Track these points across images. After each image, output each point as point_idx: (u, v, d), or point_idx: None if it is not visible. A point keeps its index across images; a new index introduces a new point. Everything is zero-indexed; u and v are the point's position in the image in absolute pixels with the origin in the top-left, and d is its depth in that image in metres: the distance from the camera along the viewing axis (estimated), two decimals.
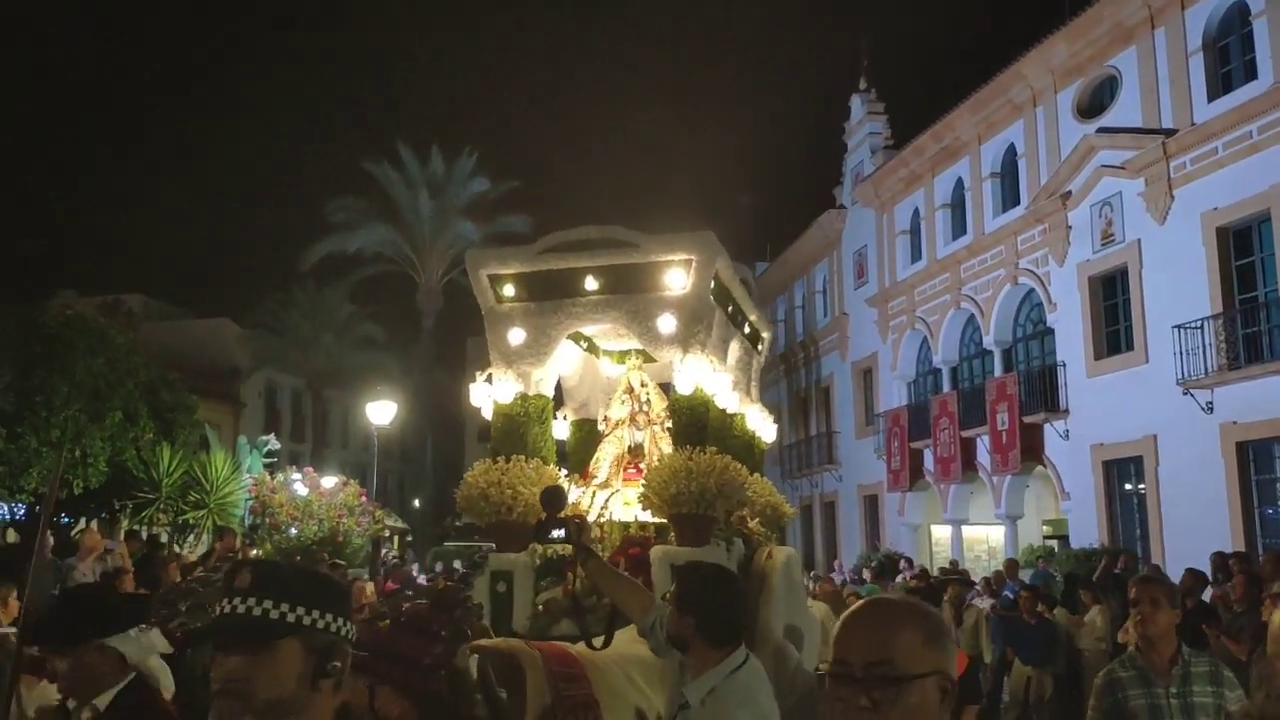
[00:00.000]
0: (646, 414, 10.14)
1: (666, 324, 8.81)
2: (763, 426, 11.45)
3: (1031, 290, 27.91)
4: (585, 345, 10.50)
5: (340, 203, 34.78)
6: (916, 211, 33.08)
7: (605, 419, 10.22)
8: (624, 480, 9.61)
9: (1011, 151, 28.94)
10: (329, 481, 24.24)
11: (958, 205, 31.38)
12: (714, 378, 8.97)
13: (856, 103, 36.31)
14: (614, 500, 9.44)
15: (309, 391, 35.52)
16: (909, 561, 26.41)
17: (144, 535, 25.65)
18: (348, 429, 42.96)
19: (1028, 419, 26.49)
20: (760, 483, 10.42)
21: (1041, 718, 13.72)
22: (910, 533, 32.44)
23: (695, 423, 8.82)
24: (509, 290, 9.27)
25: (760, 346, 11.68)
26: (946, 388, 31.21)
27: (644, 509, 8.78)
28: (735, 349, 10.50)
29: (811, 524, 39.40)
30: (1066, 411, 25.73)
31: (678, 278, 8.86)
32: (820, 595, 14.65)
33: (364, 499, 23.63)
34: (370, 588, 14.33)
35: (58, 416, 23.62)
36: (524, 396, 9.30)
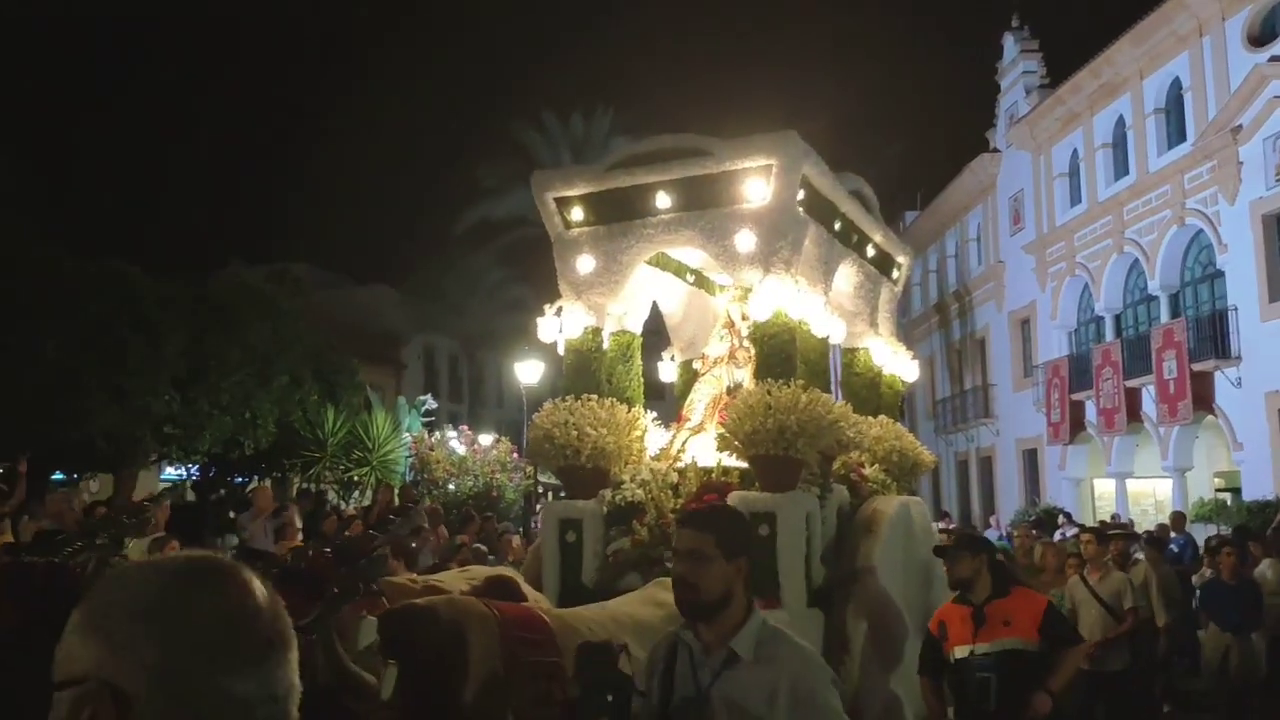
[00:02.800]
0: (748, 350, 8.76)
1: (745, 241, 7.44)
2: (896, 363, 9.92)
3: (1200, 231, 25.25)
4: (692, 278, 9.18)
5: (490, 169, 34.27)
6: (1075, 152, 30.49)
7: (703, 357, 8.91)
8: (718, 424, 8.31)
9: (1176, 85, 26.23)
10: (484, 439, 24.40)
11: (1119, 144, 28.76)
12: (802, 301, 7.54)
13: (1009, 41, 33.75)
14: (702, 444, 8.13)
15: (464, 353, 35.21)
16: (1069, 516, 24.31)
17: (312, 492, 25.68)
18: (501, 389, 42.65)
19: (1196, 366, 23.99)
20: (885, 425, 8.95)
21: (1251, 690, 11.15)
22: (1071, 487, 30.10)
23: (778, 352, 7.44)
24: (577, 214, 8.05)
25: (896, 274, 10.07)
26: (1109, 336, 28.71)
27: (722, 450, 7.46)
28: (852, 274, 9.00)
29: (968, 479, 37.17)
30: (1239, 358, 23.21)
31: (757, 188, 7.47)
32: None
33: (515, 455, 22.88)
34: (517, 540, 14.07)
35: (228, 381, 23.73)
36: (595, 330, 8.07)
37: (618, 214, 7.90)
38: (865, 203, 9.10)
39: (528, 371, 27.80)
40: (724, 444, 7.42)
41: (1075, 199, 30.54)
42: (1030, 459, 32.89)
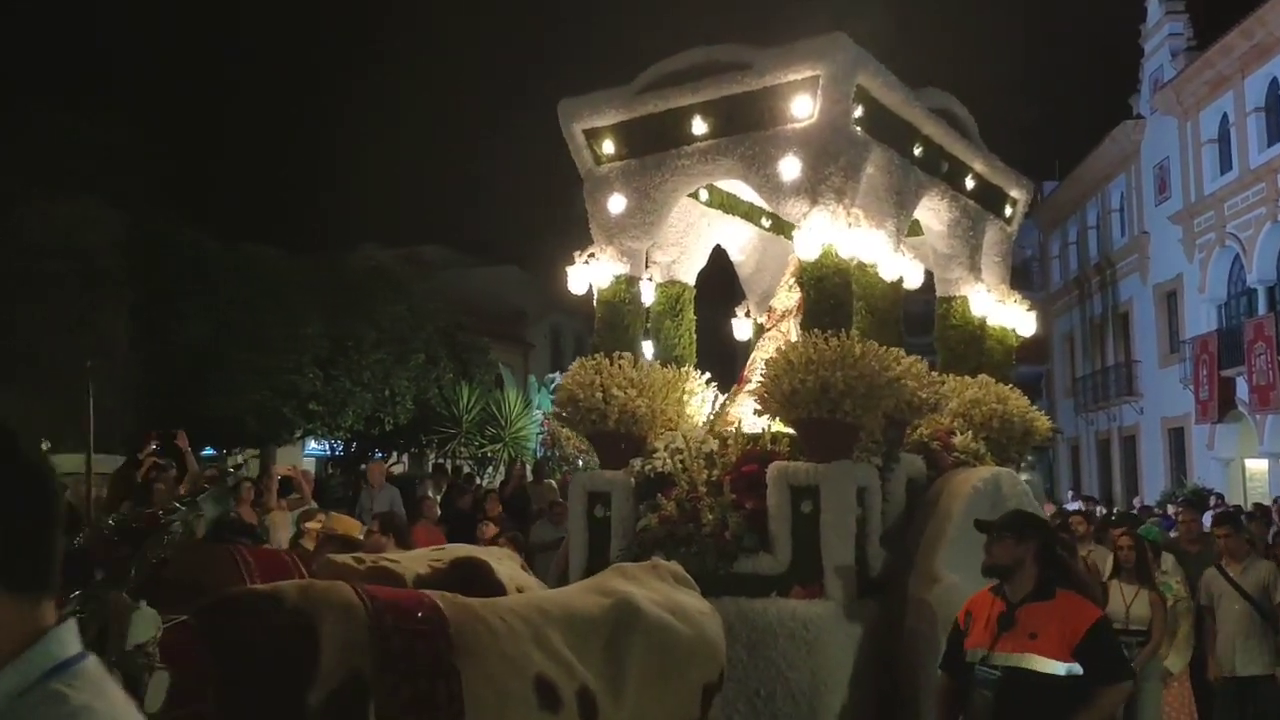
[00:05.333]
0: None
1: (789, 168, 6.00)
2: (1005, 314, 8.25)
3: None
4: (769, 222, 7.77)
5: None
6: (1225, 117, 27.52)
7: (770, 311, 7.50)
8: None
9: None
10: None
11: (1273, 108, 25.78)
12: (860, 237, 6.05)
13: (1153, 2, 30.81)
14: (747, 407, 6.74)
15: (589, 331, 33.97)
16: (1220, 498, 21.81)
17: (448, 468, 25.22)
18: None
19: None
20: (986, 386, 7.37)
21: None
22: (1220, 467, 27.26)
23: (827, 297, 5.97)
24: (608, 147, 6.74)
25: (1009, 211, 8.33)
26: (1262, 309, 25.82)
27: (763, 414, 6.06)
28: (944, 210, 7.40)
29: (1109, 460, 34.29)
30: None
31: (802, 105, 6.01)
32: None
33: None
34: None
35: (368, 359, 23.45)
36: (628, 280, 6.75)
37: (650, 144, 6.56)
38: (958, 125, 7.45)
39: (648, 350, 26.74)
40: (763, 405, 6.03)
41: (1225, 166, 27.57)
42: (1176, 438, 30.04)
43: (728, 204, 7.36)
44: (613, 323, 6.79)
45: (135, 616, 2.73)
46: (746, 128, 6.23)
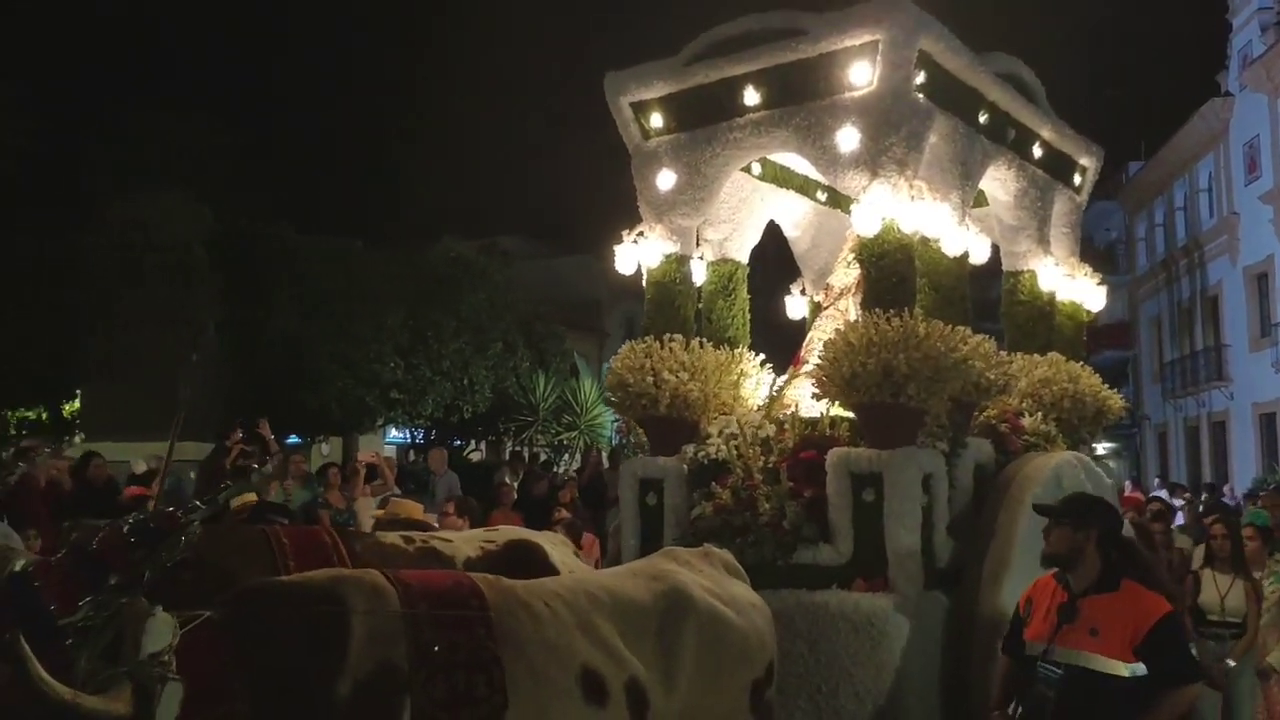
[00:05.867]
0: None
1: (847, 138, 5.59)
2: (1075, 289, 7.71)
3: None
4: (825, 196, 7.36)
5: None
6: None
7: (827, 288, 7.09)
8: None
9: None
10: None
11: None
12: (924, 211, 5.61)
13: None
14: (804, 389, 6.35)
15: None
16: None
17: (525, 455, 25.20)
18: None
19: None
20: (1056, 364, 6.88)
21: None
22: None
23: (889, 274, 5.56)
24: (656, 120, 6.39)
25: (1078, 180, 7.77)
26: None
27: (822, 398, 5.67)
28: (1010, 180, 6.90)
29: (1198, 447, 32.89)
30: None
31: (860, 72, 5.59)
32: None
33: None
34: None
35: (447, 349, 23.52)
36: (679, 259, 6.40)
37: (700, 117, 6.19)
38: (1025, 90, 6.92)
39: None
40: (822, 389, 5.64)
41: None
42: (1268, 424, 28.64)
43: (782, 178, 6.95)
44: (663, 303, 6.44)
45: (150, 623, 2.48)
46: (801, 97, 5.83)
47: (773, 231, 7.60)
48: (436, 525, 6.47)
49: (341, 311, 21.68)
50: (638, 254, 6.41)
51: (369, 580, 3.06)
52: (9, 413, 19.37)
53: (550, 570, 4.32)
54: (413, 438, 27.17)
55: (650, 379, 5.98)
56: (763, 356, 6.90)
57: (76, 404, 20.29)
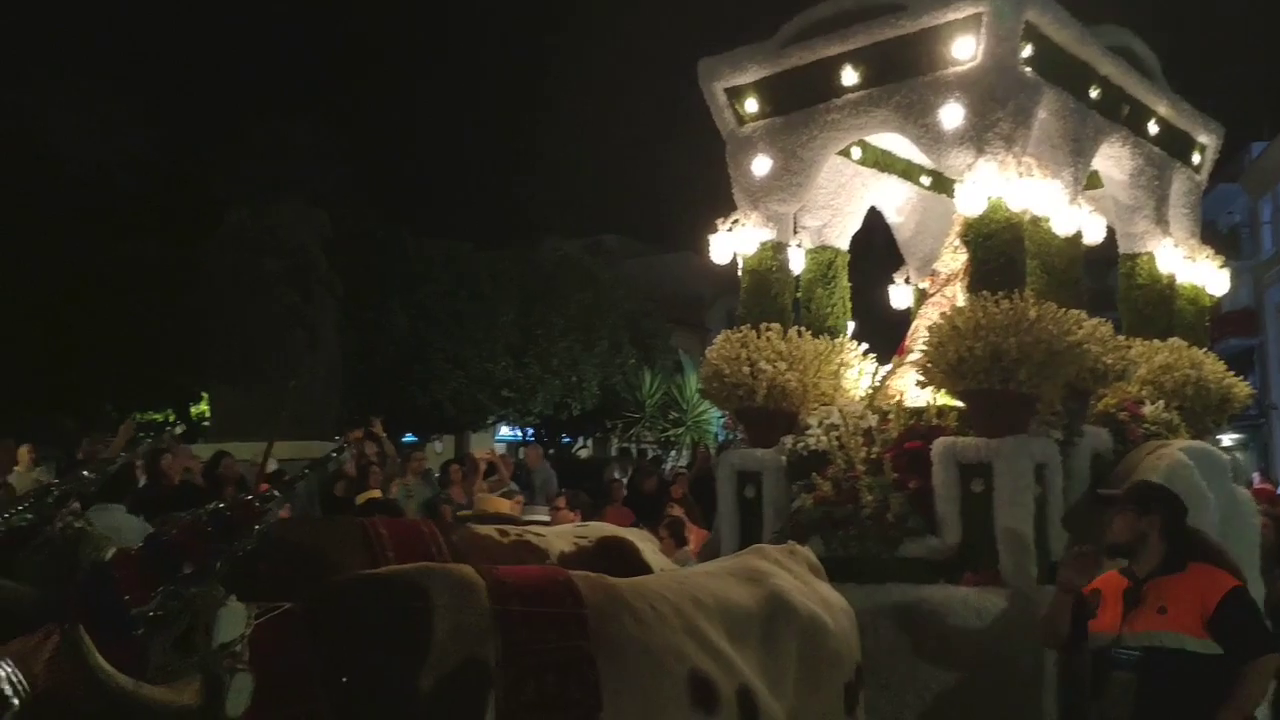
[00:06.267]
0: None
1: (951, 115, 5.32)
2: (1196, 272, 7.27)
3: None
4: (929, 180, 7.07)
5: None
6: None
7: (933, 275, 6.80)
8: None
9: None
10: None
11: None
12: (1033, 189, 5.30)
13: None
14: (910, 379, 6.07)
15: None
16: None
17: (633, 451, 25.23)
18: None
19: None
20: (1178, 350, 6.49)
21: None
22: None
23: (996, 255, 5.27)
24: (751, 105, 6.20)
25: (1197, 158, 7.34)
26: None
27: (926, 385, 5.41)
28: (1125, 157, 6.52)
29: None
30: None
31: (964, 46, 5.32)
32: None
33: None
34: None
35: (556, 347, 23.68)
36: (776, 246, 6.19)
37: (796, 100, 5.97)
38: (1138, 64, 6.50)
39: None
40: (927, 376, 5.37)
41: None
42: None
43: (883, 161, 6.68)
44: (759, 292, 6.24)
45: (222, 613, 2.40)
46: (902, 74, 5.57)
47: (873, 218, 7.33)
48: (523, 519, 6.39)
49: (454, 312, 22.00)
50: (733, 243, 6.22)
51: (457, 574, 2.95)
52: (137, 415, 20.10)
53: (643, 567, 4.19)
54: (523, 435, 27.40)
55: (747, 369, 5.80)
56: (866, 346, 6.64)
57: (203, 406, 20.95)
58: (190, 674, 2.32)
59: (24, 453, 8.80)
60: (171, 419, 21.17)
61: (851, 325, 6.96)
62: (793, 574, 3.81)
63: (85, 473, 3.17)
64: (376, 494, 8.72)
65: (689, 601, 3.30)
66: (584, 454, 26.26)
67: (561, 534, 4.66)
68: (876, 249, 8.31)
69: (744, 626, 3.35)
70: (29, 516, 2.87)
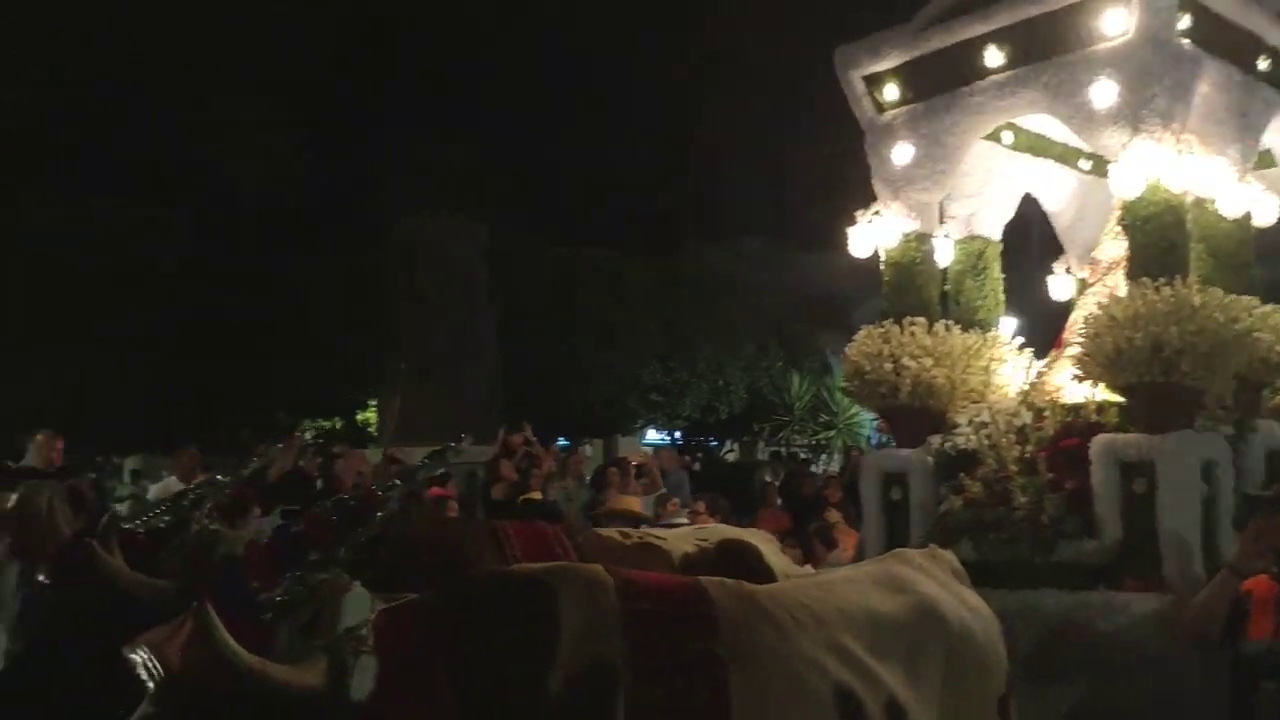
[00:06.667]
0: None
1: (1103, 93, 4.99)
2: None
3: None
4: (1089, 164, 6.70)
5: None
6: None
7: (1093, 263, 6.43)
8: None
9: None
10: None
11: None
12: (1196, 168, 4.92)
13: None
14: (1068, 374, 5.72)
15: None
16: None
17: (783, 455, 24.98)
18: None
19: None
20: None
21: None
22: None
23: (1157, 240, 4.91)
24: (890, 92, 5.97)
25: None
26: None
27: (1084, 379, 5.08)
28: None
29: None
30: None
31: (1115, 19, 4.99)
32: None
33: None
34: None
35: (702, 351, 23.70)
36: (919, 237, 5.95)
37: (938, 84, 5.71)
38: None
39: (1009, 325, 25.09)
40: (1084, 369, 5.04)
41: None
42: None
43: (1038, 146, 6.33)
44: (902, 285, 5.98)
45: (347, 599, 2.42)
46: (1049, 52, 5.25)
47: (1035, 206, 6.97)
48: (652, 520, 6.32)
49: (603, 319, 22.23)
50: (874, 235, 6.00)
51: (585, 573, 2.88)
52: (306, 422, 21.01)
53: (765, 571, 4.05)
54: (672, 438, 27.43)
55: (889, 365, 5.58)
56: (1022, 340, 6.31)
57: (368, 414, 21.74)
58: (315, 657, 2.32)
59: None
60: (338, 425, 22.03)
61: (1008, 319, 6.64)
62: (936, 580, 3.60)
63: (219, 477, 3.27)
64: (537, 496, 8.82)
65: (832, 610, 3.13)
66: (731, 457, 26.07)
67: (683, 536, 4.58)
68: (1034, 238, 7.91)
69: (890, 637, 3.15)
70: (167, 519, 2.97)
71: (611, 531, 4.43)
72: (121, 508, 3.24)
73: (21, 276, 17.61)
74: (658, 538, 4.43)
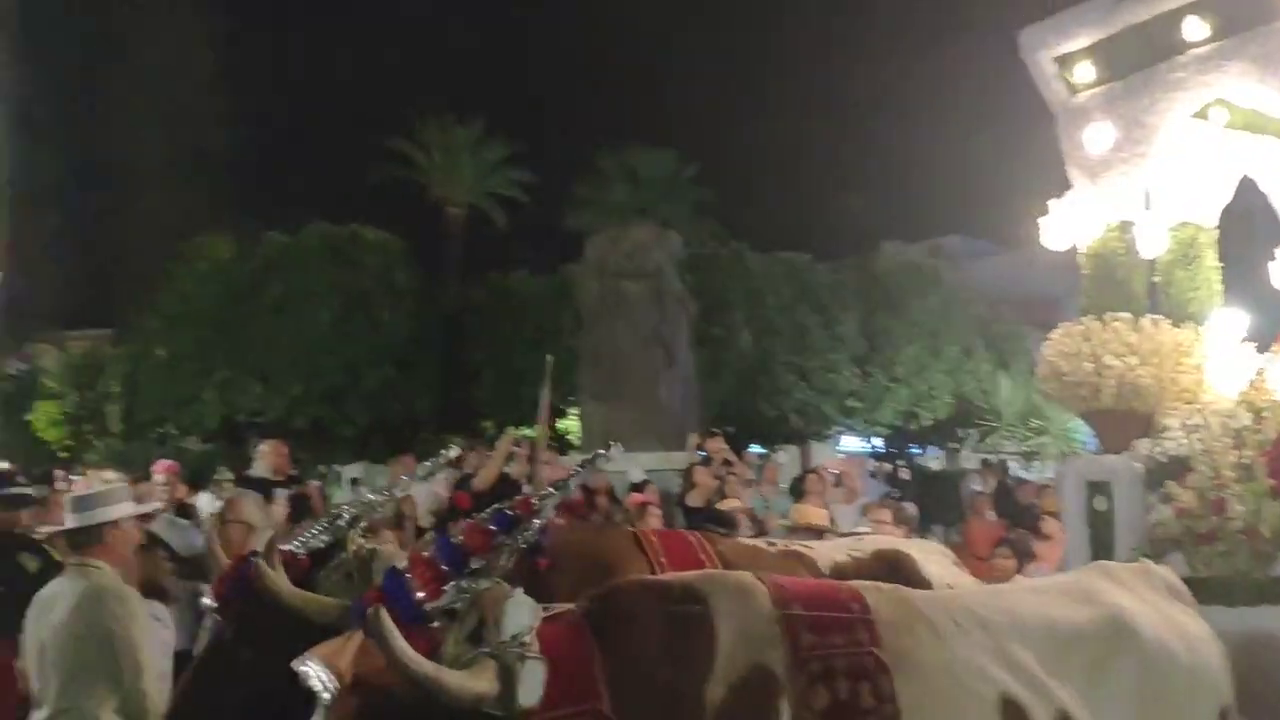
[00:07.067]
0: None
1: None
2: None
3: None
4: None
5: None
6: None
7: None
8: None
9: None
10: None
11: None
12: None
13: None
14: None
15: None
16: None
17: (994, 462, 24.02)
18: None
19: None
20: None
21: None
22: None
23: None
24: (1083, 73, 5.61)
25: None
26: None
27: None
28: None
29: None
30: None
31: None
32: None
33: None
34: None
35: (901, 354, 23.14)
36: (1121, 226, 5.53)
37: (1135, 61, 5.30)
38: None
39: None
40: None
41: None
42: None
43: (1255, 123, 5.75)
44: (1103, 278, 5.56)
45: (509, 606, 2.43)
46: (1257, 20, 4.79)
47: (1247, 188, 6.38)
48: (836, 532, 6.12)
49: (796, 325, 21.97)
50: (1070, 225, 5.60)
51: (736, 579, 2.83)
52: (510, 430, 21.72)
53: (920, 580, 3.83)
54: (870, 446, 26.82)
55: (1090, 365, 5.20)
56: (1242, 335, 5.76)
57: (568, 422, 22.27)
58: (481, 663, 2.34)
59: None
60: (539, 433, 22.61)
61: (1225, 311, 6.09)
62: (1140, 596, 3.31)
63: (371, 496, 3.36)
64: (737, 502, 8.73)
65: (1005, 618, 2.95)
66: (935, 465, 25.21)
67: (835, 546, 4.43)
68: (1257, 222, 7.23)
69: (1068, 649, 2.97)
70: (325, 539, 3.06)
71: (757, 540, 4.34)
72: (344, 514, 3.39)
73: (263, 296, 19.25)
74: (805, 546, 4.31)
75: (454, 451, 3.85)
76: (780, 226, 26.43)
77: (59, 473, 12.64)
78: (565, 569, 3.10)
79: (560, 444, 22.17)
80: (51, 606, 3.49)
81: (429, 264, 21.68)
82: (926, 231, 29.34)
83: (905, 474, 18.11)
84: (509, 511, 2.82)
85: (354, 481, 17.13)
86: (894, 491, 13.27)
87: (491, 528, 2.80)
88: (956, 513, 12.31)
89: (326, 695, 2.35)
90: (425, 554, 2.93)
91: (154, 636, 3.71)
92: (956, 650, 2.78)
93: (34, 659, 3.47)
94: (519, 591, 2.48)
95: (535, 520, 2.76)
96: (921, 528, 10.03)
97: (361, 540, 3.19)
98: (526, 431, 23.63)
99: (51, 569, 4.17)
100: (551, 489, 2.89)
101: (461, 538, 2.82)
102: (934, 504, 13.38)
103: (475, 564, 2.69)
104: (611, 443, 3.34)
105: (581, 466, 3.22)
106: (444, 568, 2.69)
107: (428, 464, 3.85)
